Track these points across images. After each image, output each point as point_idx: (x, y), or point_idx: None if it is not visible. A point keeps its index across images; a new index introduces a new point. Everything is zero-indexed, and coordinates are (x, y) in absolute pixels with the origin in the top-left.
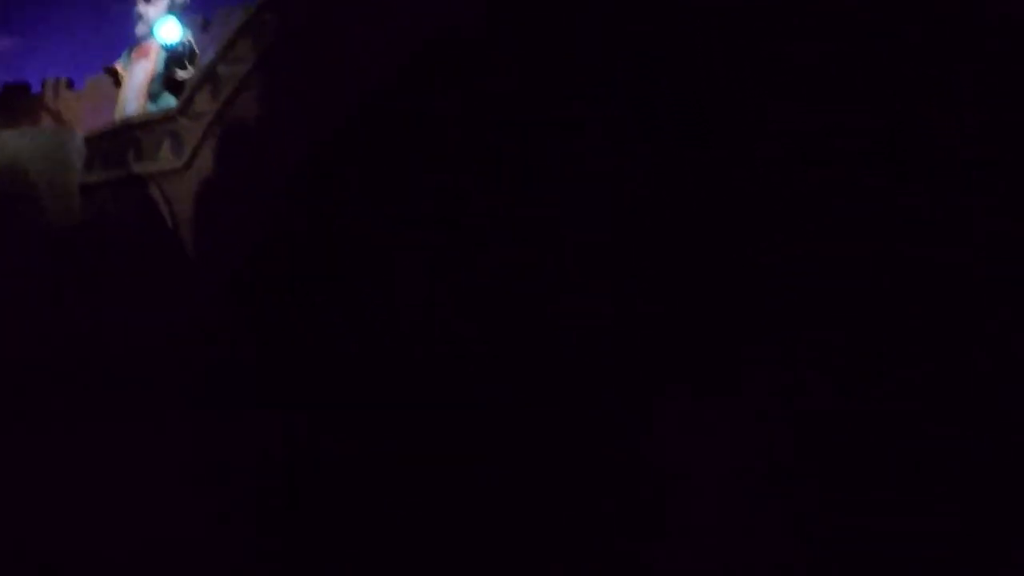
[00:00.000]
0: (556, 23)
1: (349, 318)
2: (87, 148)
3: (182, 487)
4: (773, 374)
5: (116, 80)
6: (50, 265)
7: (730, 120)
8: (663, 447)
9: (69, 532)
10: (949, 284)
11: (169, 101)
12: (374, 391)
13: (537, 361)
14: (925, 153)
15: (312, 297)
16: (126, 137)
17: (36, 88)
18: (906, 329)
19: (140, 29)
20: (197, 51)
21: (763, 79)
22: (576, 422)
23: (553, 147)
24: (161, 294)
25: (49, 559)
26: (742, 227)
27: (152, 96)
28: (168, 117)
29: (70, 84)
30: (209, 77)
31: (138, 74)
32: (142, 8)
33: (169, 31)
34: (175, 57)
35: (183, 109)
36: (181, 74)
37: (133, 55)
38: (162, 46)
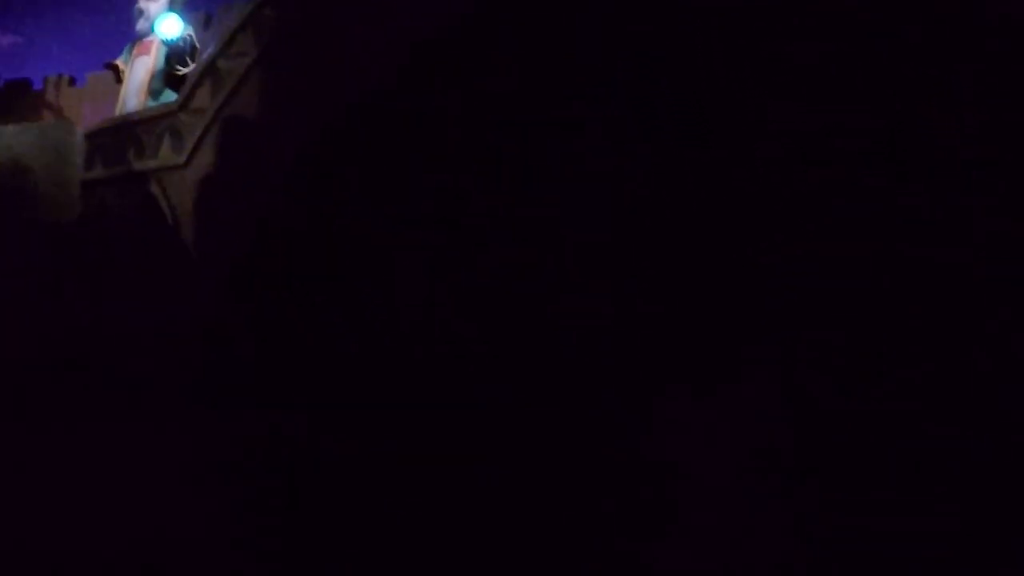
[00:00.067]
0: (556, 23)
1: (349, 318)
2: (87, 144)
3: (182, 487)
4: (773, 374)
5: (118, 76)
6: (50, 261)
7: (730, 120)
8: (663, 447)
9: (68, 532)
10: (949, 284)
11: (170, 97)
12: (374, 391)
13: (537, 361)
14: (925, 153)
15: (312, 297)
16: (126, 133)
17: (38, 85)
18: (906, 329)
19: (141, 25)
20: (198, 47)
21: (763, 79)
22: (576, 422)
23: (553, 147)
24: (161, 291)
25: (49, 559)
26: (742, 227)
27: (153, 93)
28: (168, 113)
29: (72, 81)
30: (209, 72)
31: (139, 70)
32: (143, 4)
33: (170, 27)
34: (176, 53)
35: (183, 105)
36: (182, 70)
37: (134, 51)
38: (163, 42)
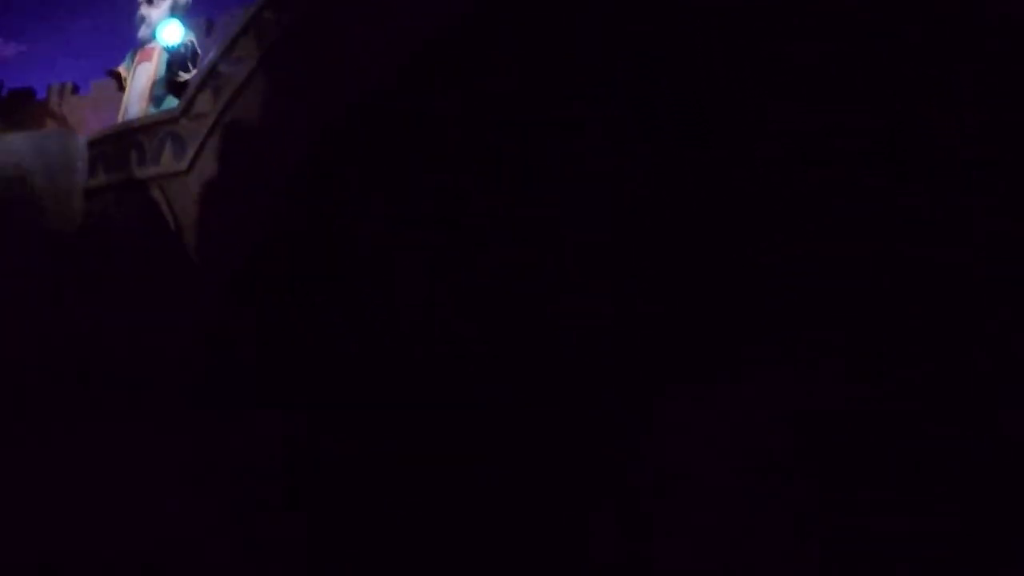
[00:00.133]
0: (556, 23)
1: (349, 318)
2: (89, 152)
3: (182, 487)
4: (773, 374)
5: (120, 83)
6: (52, 269)
7: (730, 120)
8: (663, 447)
9: (68, 532)
10: (949, 284)
11: (173, 104)
12: (374, 391)
13: (537, 361)
14: (925, 153)
15: (312, 297)
16: (128, 140)
17: (42, 94)
18: (906, 329)
19: (143, 32)
20: (200, 53)
21: (763, 79)
22: (576, 422)
23: (553, 147)
24: (163, 297)
25: (49, 560)
26: (742, 227)
27: (156, 99)
28: (169, 119)
29: (75, 89)
30: (210, 78)
31: (141, 77)
32: (144, 10)
33: (171, 33)
34: (178, 59)
35: (185, 111)
36: (184, 76)
37: (136, 58)
38: (164, 48)
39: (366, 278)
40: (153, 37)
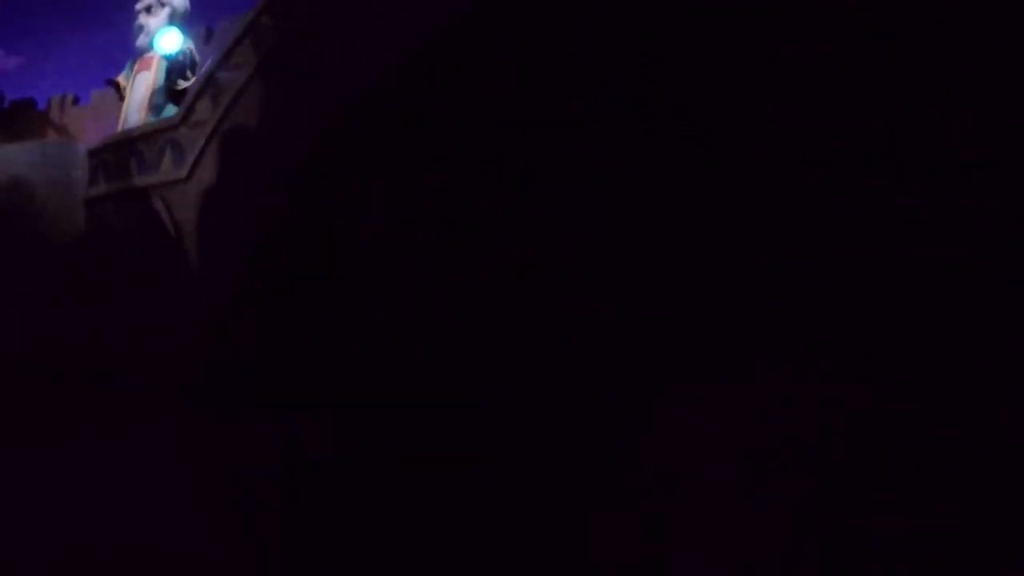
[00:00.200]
0: (556, 23)
1: (349, 318)
2: (90, 161)
3: (181, 487)
4: (773, 374)
5: (119, 93)
6: (52, 279)
7: (730, 120)
8: (663, 447)
9: (68, 534)
10: (949, 284)
11: (172, 112)
12: (374, 391)
13: (537, 361)
14: (925, 153)
15: (312, 297)
16: (128, 149)
17: (43, 105)
18: (906, 329)
19: (141, 40)
20: (198, 60)
21: (763, 79)
22: (576, 422)
23: (553, 147)
24: (163, 300)
25: (49, 560)
26: (742, 227)
27: (155, 108)
28: (169, 127)
29: (76, 100)
30: (209, 84)
31: (140, 86)
32: (143, 19)
33: (169, 41)
34: (176, 67)
35: (184, 118)
36: (183, 84)
37: (135, 67)
38: (163, 57)
39: (366, 278)
40: (151, 46)
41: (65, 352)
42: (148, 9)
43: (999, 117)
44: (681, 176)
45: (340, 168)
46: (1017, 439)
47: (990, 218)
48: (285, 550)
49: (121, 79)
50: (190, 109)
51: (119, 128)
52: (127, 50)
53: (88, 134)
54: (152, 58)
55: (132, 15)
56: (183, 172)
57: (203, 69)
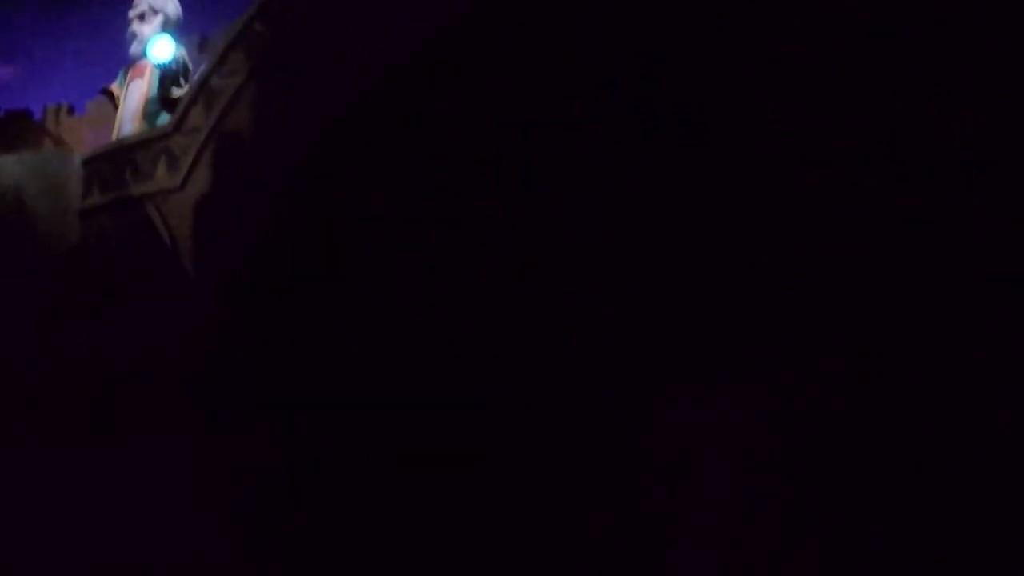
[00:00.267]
0: (556, 23)
1: (349, 318)
2: (84, 171)
3: (181, 487)
4: (773, 374)
5: (114, 102)
6: (49, 289)
7: (730, 120)
8: (663, 447)
9: (68, 535)
10: (949, 284)
11: (166, 120)
12: (374, 391)
13: (537, 361)
14: (925, 153)
15: (312, 297)
16: (122, 158)
17: (38, 116)
18: (906, 329)
19: (134, 49)
20: (191, 68)
21: (763, 79)
22: (576, 422)
23: (553, 147)
24: (163, 301)
25: (49, 562)
26: (742, 227)
27: (149, 116)
28: (162, 135)
29: (71, 109)
30: (202, 92)
31: (134, 94)
32: (136, 27)
33: (162, 50)
34: (170, 76)
35: (177, 126)
36: (177, 92)
37: (128, 75)
38: (156, 65)
39: (366, 278)
40: (144, 54)
41: (63, 359)
42: (141, 16)
43: (999, 117)
44: (681, 176)
45: (340, 168)
46: (1017, 439)
47: (990, 218)
48: (285, 550)
49: (114, 87)
50: (184, 116)
51: (114, 137)
52: (121, 58)
53: (85, 143)
54: (145, 66)
55: (125, 22)
56: (178, 180)
57: (196, 76)
